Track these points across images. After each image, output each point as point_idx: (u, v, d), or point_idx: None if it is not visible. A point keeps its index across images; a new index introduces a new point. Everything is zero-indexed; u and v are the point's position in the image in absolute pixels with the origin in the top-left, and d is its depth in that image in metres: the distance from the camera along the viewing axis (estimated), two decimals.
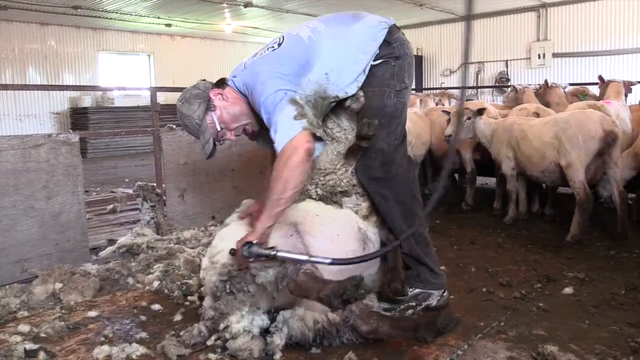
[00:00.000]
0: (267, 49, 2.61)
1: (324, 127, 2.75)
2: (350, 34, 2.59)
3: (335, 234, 2.58)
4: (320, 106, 2.57)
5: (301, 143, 2.27)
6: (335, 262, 2.22)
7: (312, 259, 2.24)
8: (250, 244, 2.22)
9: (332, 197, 2.78)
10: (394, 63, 2.64)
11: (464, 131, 4.83)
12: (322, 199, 2.77)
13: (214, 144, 2.63)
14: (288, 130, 2.30)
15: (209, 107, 2.61)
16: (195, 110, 2.59)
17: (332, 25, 2.62)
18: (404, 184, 2.73)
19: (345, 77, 2.58)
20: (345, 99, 2.64)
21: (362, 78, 2.62)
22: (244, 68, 2.65)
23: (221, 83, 2.68)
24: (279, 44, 2.58)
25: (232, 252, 2.30)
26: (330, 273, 2.38)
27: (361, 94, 2.64)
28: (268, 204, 2.30)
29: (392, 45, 2.64)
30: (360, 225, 2.73)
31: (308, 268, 2.30)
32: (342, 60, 2.56)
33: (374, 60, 2.61)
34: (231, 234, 2.53)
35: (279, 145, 2.30)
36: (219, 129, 2.61)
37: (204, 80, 2.75)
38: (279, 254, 2.22)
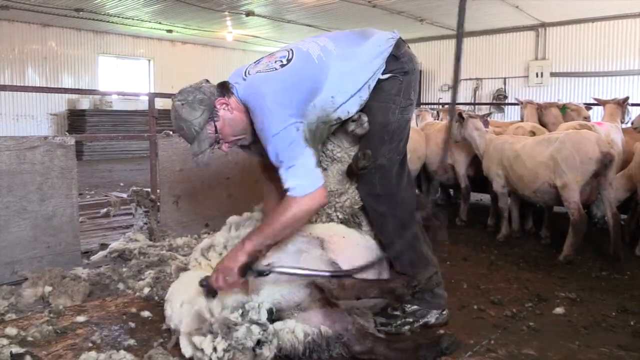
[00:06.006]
0: (275, 63, 2.47)
1: (324, 150, 2.73)
2: (358, 54, 2.52)
3: (357, 262, 2.55)
4: (321, 131, 2.53)
5: (320, 198, 2.31)
6: (334, 275, 2.25)
7: (311, 272, 2.27)
8: (249, 266, 2.26)
9: (353, 219, 2.76)
10: (402, 78, 2.61)
11: (455, 133, 5.05)
12: (343, 222, 2.73)
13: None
14: (310, 180, 2.30)
15: (212, 116, 2.43)
16: (197, 117, 2.40)
17: (342, 46, 2.54)
18: (402, 201, 2.68)
19: (348, 97, 2.52)
20: (348, 122, 2.60)
21: (366, 94, 2.58)
22: (244, 77, 2.51)
23: (225, 89, 2.50)
24: (288, 60, 2.46)
25: (203, 284, 2.35)
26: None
27: (365, 119, 2.59)
28: (262, 233, 2.32)
29: (400, 60, 2.60)
30: (379, 253, 2.71)
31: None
32: (349, 82, 2.50)
33: (383, 74, 2.57)
34: (186, 285, 2.61)
35: (298, 190, 2.27)
36: (218, 140, 2.49)
37: (206, 81, 2.55)
38: (276, 269, 2.26)
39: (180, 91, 2.48)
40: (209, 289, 2.36)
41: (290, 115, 2.32)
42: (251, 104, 2.40)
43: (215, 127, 2.43)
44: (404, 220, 2.68)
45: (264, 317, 2.25)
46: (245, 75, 2.51)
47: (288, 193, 2.30)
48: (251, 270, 2.26)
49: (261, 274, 2.27)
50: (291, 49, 2.53)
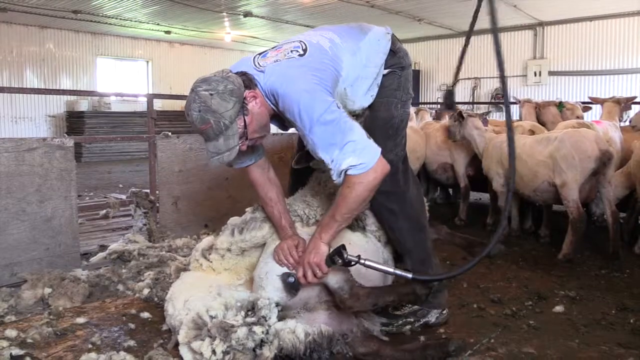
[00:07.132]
0: (292, 52, 2.34)
1: None
2: (362, 48, 2.48)
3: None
4: None
5: (383, 168, 2.20)
6: (415, 277, 2.32)
7: (396, 271, 2.34)
8: (338, 252, 2.24)
9: (357, 223, 2.75)
10: (400, 73, 2.62)
11: (455, 132, 5.10)
12: (349, 226, 2.70)
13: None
14: (369, 153, 2.17)
15: (242, 109, 2.26)
16: (229, 109, 2.19)
17: (345, 39, 2.47)
18: (412, 197, 2.69)
19: (359, 92, 2.51)
20: (359, 114, 2.60)
21: (375, 90, 2.58)
22: (258, 68, 2.35)
23: (250, 81, 2.32)
24: (304, 50, 2.34)
25: (289, 281, 2.32)
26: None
27: None
28: (334, 220, 2.27)
29: (397, 55, 2.61)
30: (385, 257, 2.72)
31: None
32: (358, 75, 2.47)
33: (383, 70, 2.57)
34: (187, 286, 2.62)
35: (359, 168, 2.15)
36: (246, 136, 2.30)
37: (229, 71, 2.35)
38: (366, 262, 2.28)
39: (204, 80, 2.25)
40: (293, 286, 2.33)
41: (328, 95, 2.22)
42: (283, 91, 2.23)
43: (245, 121, 2.27)
44: (414, 218, 2.69)
45: (274, 314, 2.27)
46: (257, 66, 2.37)
47: (349, 172, 2.16)
48: (339, 259, 2.24)
49: (349, 263, 2.26)
50: (302, 41, 2.41)
